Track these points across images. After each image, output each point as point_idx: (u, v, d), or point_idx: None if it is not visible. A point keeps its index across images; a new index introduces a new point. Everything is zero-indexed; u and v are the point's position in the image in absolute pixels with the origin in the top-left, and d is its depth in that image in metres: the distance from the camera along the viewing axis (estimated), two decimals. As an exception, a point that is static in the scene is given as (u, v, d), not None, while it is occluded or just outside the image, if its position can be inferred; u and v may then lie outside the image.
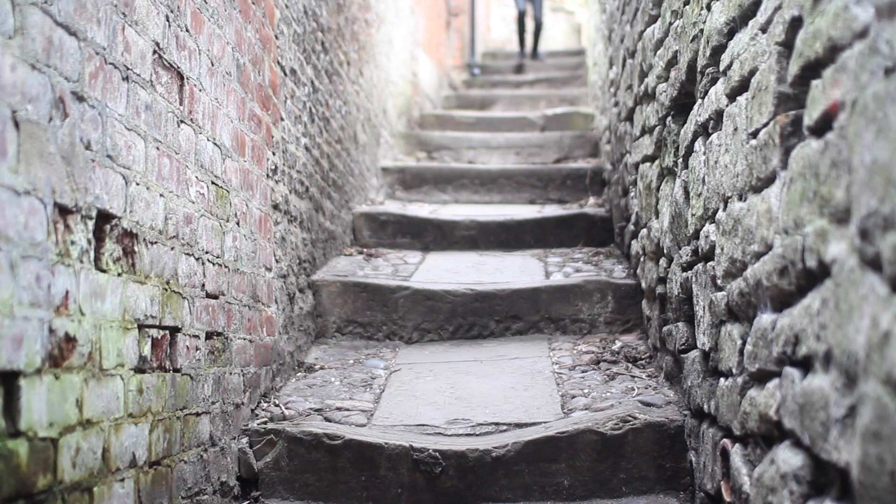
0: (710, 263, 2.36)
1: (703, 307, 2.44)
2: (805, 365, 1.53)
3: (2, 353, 1.39)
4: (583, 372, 3.53)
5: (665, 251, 3.13)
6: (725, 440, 2.19)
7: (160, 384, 2.12)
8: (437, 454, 2.82)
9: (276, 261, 3.36)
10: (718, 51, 2.24)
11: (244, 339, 2.88)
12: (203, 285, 2.45)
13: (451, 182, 6.40)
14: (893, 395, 1.08)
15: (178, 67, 2.26)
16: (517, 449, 2.82)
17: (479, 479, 2.80)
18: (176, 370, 2.23)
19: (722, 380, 2.23)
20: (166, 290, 2.16)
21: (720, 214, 2.20)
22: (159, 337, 2.12)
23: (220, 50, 2.62)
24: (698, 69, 2.48)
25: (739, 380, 2.02)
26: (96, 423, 1.76)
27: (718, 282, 2.23)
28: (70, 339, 1.64)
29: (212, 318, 2.53)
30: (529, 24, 11.33)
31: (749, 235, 1.90)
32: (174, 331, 2.22)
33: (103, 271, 1.80)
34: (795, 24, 1.62)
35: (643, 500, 2.77)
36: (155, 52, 2.09)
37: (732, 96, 2.10)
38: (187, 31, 2.33)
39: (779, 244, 1.67)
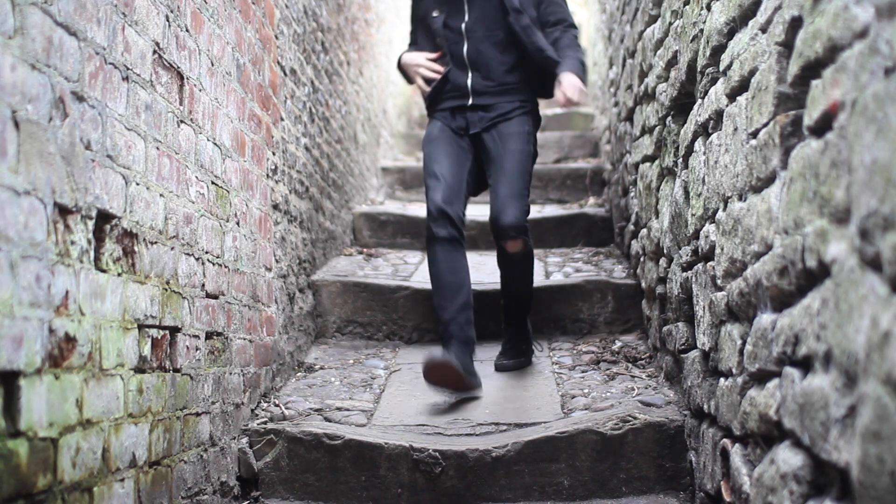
0: (710, 263, 2.36)
1: (703, 307, 2.44)
2: (805, 365, 1.53)
3: (2, 353, 1.39)
4: (583, 372, 3.53)
5: (665, 251, 3.13)
6: (725, 440, 2.19)
7: (160, 384, 2.12)
8: (437, 454, 2.82)
9: (276, 261, 3.36)
10: (718, 51, 2.24)
11: (244, 339, 2.88)
12: (203, 285, 2.45)
13: (451, 182, 6.37)
14: (893, 395, 1.08)
15: (178, 67, 2.26)
16: (517, 449, 2.82)
17: (479, 479, 2.80)
18: (176, 370, 2.23)
19: (722, 380, 2.23)
20: (166, 290, 2.16)
21: (720, 214, 2.20)
22: (159, 337, 2.12)
23: (220, 50, 2.62)
24: (698, 69, 2.47)
25: (739, 380, 2.02)
26: (96, 423, 1.76)
27: (718, 282, 2.23)
28: (70, 339, 1.64)
29: (212, 318, 2.53)
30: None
31: (749, 235, 1.90)
32: (174, 331, 2.22)
33: (103, 271, 1.80)
34: (795, 24, 1.62)
35: (643, 500, 2.77)
36: (155, 52, 2.09)
37: (732, 96, 2.10)
38: (187, 31, 2.33)
39: (779, 244, 1.67)
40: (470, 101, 3.63)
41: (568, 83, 3.49)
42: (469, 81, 3.64)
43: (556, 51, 3.61)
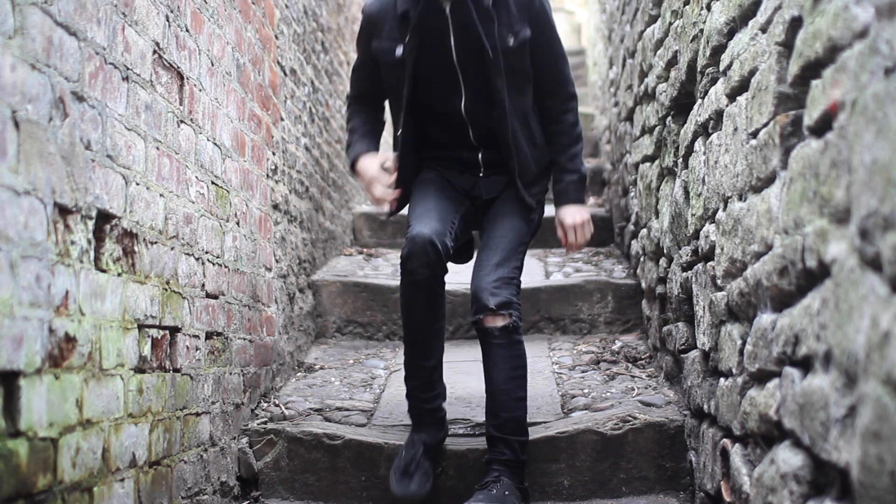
0: (710, 263, 2.36)
1: (703, 307, 2.44)
2: (805, 365, 1.53)
3: (2, 353, 1.39)
4: (583, 372, 3.53)
5: (665, 251, 3.13)
6: (725, 440, 2.19)
7: (160, 384, 2.12)
8: (437, 454, 2.81)
9: (276, 261, 3.36)
10: (718, 51, 2.24)
11: (244, 339, 2.88)
12: (203, 285, 2.45)
13: (451, 182, 6.37)
14: (893, 395, 1.08)
15: (178, 67, 2.26)
16: (517, 449, 2.82)
17: (479, 478, 2.80)
18: (176, 370, 2.23)
19: (722, 380, 2.23)
20: (166, 290, 2.16)
21: (720, 214, 2.20)
22: (159, 337, 2.12)
23: (220, 50, 2.62)
24: (698, 69, 2.47)
25: (739, 380, 2.02)
26: (96, 423, 1.76)
27: (718, 282, 2.23)
28: (70, 339, 1.64)
29: (212, 318, 2.53)
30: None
31: (749, 235, 1.90)
32: (174, 331, 2.22)
33: (103, 271, 1.80)
34: (795, 24, 1.62)
35: (643, 500, 2.77)
36: (155, 52, 2.09)
37: (732, 96, 2.10)
38: (187, 31, 2.33)
39: (779, 244, 1.67)
40: (482, 174, 2.86)
41: (572, 225, 2.86)
42: (480, 157, 2.84)
43: (551, 133, 2.87)
